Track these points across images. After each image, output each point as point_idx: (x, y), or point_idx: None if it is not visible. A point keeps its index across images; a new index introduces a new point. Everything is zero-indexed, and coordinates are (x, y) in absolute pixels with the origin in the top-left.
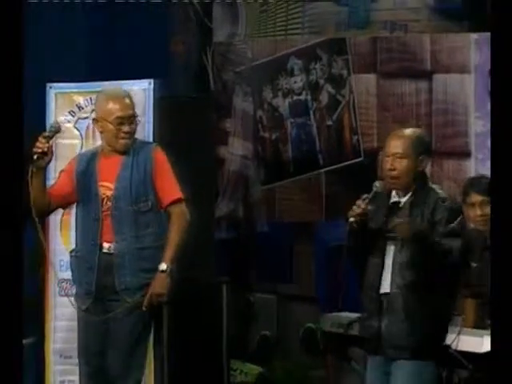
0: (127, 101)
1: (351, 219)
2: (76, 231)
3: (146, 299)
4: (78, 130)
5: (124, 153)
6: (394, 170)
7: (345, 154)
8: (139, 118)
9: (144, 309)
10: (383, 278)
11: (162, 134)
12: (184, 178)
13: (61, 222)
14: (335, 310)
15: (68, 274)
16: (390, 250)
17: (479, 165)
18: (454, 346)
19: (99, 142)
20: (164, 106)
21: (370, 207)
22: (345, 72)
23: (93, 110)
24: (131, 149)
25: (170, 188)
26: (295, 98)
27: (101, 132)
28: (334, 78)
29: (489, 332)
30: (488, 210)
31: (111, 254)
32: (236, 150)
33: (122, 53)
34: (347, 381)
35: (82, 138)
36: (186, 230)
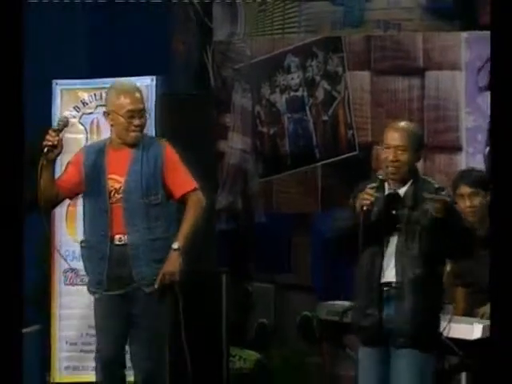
0: (138, 95)
1: (364, 207)
2: (84, 222)
3: (158, 278)
4: (82, 124)
5: (133, 146)
6: (397, 161)
7: (340, 148)
8: (149, 113)
9: (156, 287)
10: (384, 267)
11: (164, 130)
12: None
13: (66, 213)
14: (331, 299)
15: (74, 264)
16: (393, 240)
17: (470, 159)
18: (445, 334)
19: (103, 137)
20: (165, 102)
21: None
22: (340, 69)
23: (97, 106)
24: (140, 143)
25: (184, 180)
26: (292, 94)
27: (111, 125)
28: (330, 74)
29: (478, 320)
30: (477, 201)
31: (124, 245)
32: (235, 144)
33: (124, 53)
34: (342, 367)
35: (86, 133)
36: (201, 216)
